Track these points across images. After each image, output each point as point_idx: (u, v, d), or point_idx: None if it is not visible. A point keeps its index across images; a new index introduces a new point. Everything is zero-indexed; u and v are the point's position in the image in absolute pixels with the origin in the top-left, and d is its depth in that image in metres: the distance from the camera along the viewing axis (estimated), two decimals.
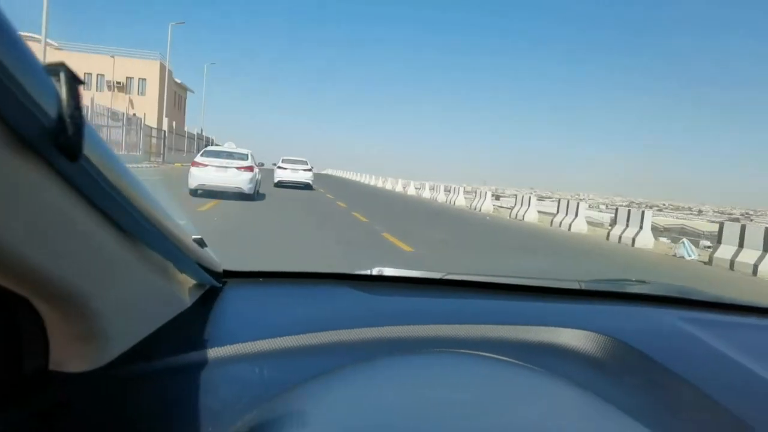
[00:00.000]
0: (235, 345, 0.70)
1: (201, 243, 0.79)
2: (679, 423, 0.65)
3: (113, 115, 29.74)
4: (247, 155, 14.19)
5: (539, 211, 17.29)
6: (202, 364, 0.67)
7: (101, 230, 0.48)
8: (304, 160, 23.01)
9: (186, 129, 49.38)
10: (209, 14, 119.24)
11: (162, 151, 39.69)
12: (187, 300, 0.78)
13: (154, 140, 38.54)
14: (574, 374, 0.71)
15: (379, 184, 40.83)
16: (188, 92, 60.94)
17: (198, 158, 13.59)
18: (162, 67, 47.66)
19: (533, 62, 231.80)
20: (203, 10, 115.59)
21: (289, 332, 0.74)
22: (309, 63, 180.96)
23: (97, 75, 47.33)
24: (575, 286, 1.14)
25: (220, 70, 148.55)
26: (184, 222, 0.69)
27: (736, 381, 0.74)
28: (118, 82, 47.66)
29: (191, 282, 0.81)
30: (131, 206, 0.49)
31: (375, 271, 1.09)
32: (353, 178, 54.06)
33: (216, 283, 0.89)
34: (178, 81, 55.94)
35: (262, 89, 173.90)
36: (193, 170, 13.29)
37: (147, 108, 44.33)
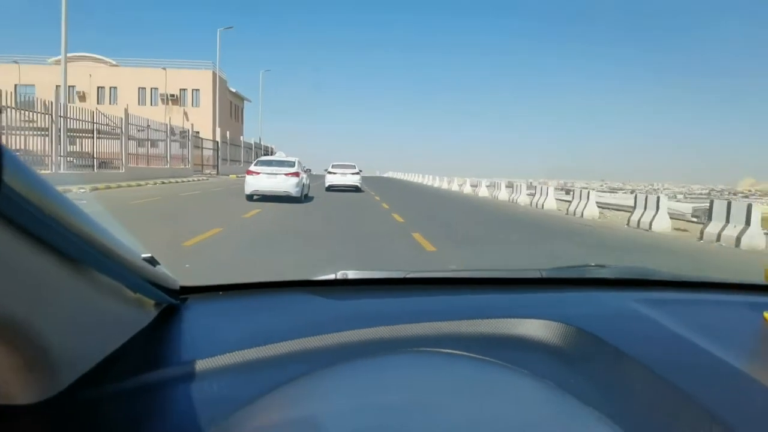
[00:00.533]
0: (192, 362, 0.69)
1: (152, 261, 0.77)
2: (632, 405, 0.66)
3: (161, 127, 27.93)
4: (294, 162, 15.72)
5: (672, 216, 12.62)
6: (158, 384, 0.66)
7: (36, 256, 0.46)
8: (352, 164, 23.76)
9: (242, 139, 47.66)
10: (263, 22, 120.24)
11: (216, 163, 38.09)
12: (144, 320, 0.76)
13: (208, 152, 36.83)
14: (534, 365, 0.71)
15: (444, 185, 36.94)
16: (245, 101, 59.76)
17: (252, 167, 15.52)
18: (215, 77, 46.21)
19: (599, 55, 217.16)
20: (258, 18, 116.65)
21: (250, 345, 0.73)
22: (373, 66, 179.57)
23: (151, 89, 46.42)
24: (536, 275, 1.15)
25: (278, 77, 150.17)
26: (131, 243, 0.66)
27: (685, 359, 0.74)
28: (172, 95, 46.46)
29: (149, 302, 0.78)
30: (66, 230, 0.47)
31: (339, 275, 1.08)
32: (415, 180, 50.39)
33: (173, 301, 0.86)
34: (233, 90, 54.56)
35: (321, 94, 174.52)
36: (248, 178, 15.12)
37: (202, 119, 42.73)
